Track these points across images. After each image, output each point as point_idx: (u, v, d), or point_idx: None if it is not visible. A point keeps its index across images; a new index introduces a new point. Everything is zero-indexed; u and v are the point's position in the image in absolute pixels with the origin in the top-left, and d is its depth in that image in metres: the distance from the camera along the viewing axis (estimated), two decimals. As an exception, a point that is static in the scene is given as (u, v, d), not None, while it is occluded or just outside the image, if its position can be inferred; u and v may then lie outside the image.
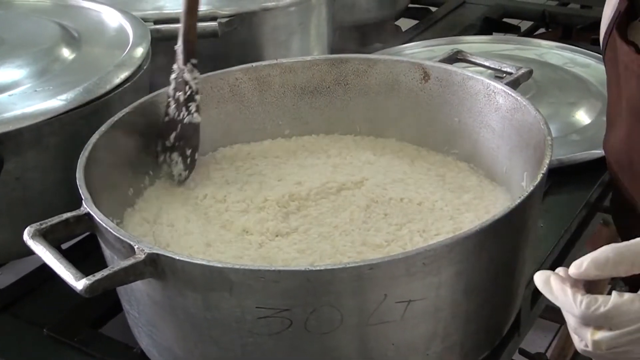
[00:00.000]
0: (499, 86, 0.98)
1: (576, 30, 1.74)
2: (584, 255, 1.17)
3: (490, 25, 1.79)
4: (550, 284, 0.66)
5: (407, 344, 0.75)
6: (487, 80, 0.99)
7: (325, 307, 0.70)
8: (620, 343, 0.61)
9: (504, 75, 1.04)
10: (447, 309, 0.75)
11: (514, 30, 1.79)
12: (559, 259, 1.17)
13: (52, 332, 0.94)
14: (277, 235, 0.91)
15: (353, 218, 0.94)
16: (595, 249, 0.69)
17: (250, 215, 0.95)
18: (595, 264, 0.63)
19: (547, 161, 0.81)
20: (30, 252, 1.01)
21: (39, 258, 1.05)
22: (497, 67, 1.06)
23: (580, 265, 0.64)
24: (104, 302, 0.98)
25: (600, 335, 0.62)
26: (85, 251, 1.03)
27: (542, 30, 1.85)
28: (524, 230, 0.80)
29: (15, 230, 0.86)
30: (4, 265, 1.11)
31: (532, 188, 0.77)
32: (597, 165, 1.20)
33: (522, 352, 0.96)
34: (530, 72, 1.03)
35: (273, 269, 0.69)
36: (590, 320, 0.62)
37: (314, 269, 0.69)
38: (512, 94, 0.95)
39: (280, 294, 0.70)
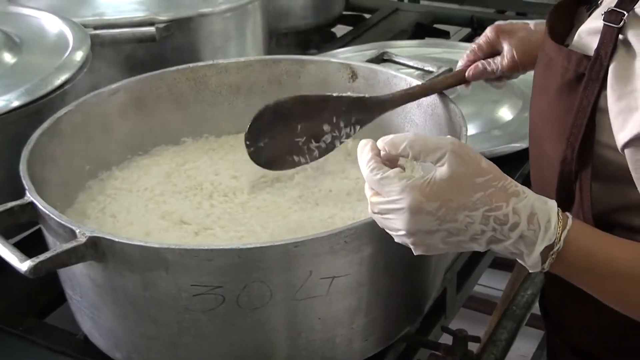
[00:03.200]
0: (419, 84, 1.04)
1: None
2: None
3: (422, 30, 1.86)
4: (363, 147, 0.73)
5: (333, 318, 0.81)
6: (409, 79, 1.06)
7: (255, 283, 0.76)
8: (386, 209, 0.70)
9: (427, 74, 1.10)
10: (368, 285, 0.81)
11: (444, 35, 1.87)
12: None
13: (-3, 322, 0.98)
14: (212, 225, 0.97)
15: (286, 208, 0.99)
16: None
17: (188, 207, 1.00)
18: (392, 144, 0.71)
19: (460, 149, 0.87)
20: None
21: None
22: (419, 66, 1.13)
23: (383, 140, 0.72)
24: (48, 293, 1.02)
25: (375, 198, 0.71)
26: (33, 244, 1.07)
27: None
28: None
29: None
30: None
31: (445, 172, 0.83)
32: (517, 158, 1.27)
33: (445, 330, 1.03)
34: (449, 70, 1.10)
35: (206, 247, 0.75)
36: (371, 184, 0.71)
37: (243, 247, 0.75)
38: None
39: (214, 272, 0.75)
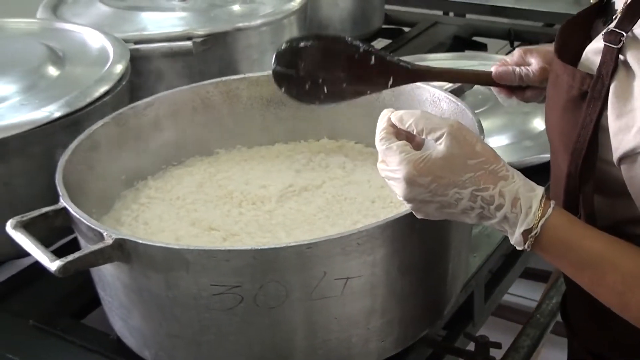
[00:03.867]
0: (442, 94, 1.07)
1: (540, 47, 1.83)
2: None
3: (460, 43, 1.88)
4: (382, 117, 0.81)
5: (348, 318, 0.84)
6: (432, 89, 1.08)
7: (271, 283, 0.79)
8: (388, 176, 0.78)
9: (451, 84, 1.13)
10: (382, 286, 0.84)
11: (482, 48, 1.89)
12: (514, 254, 1.26)
13: (36, 323, 1.03)
14: (240, 232, 1.00)
15: (312, 215, 1.03)
16: None
17: (217, 214, 1.04)
18: (399, 119, 0.79)
19: (476, 156, 0.90)
20: (18, 254, 1.12)
21: (26, 261, 1.16)
22: (445, 77, 1.15)
23: (395, 115, 0.80)
24: (84, 296, 1.07)
25: (380, 165, 0.79)
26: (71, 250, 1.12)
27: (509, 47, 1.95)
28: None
29: (3, 233, 0.96)
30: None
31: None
32: (547, 169, 1.28)
33: (467, 335, 1.05)
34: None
35: (223, 248, 0.79)
36: (380, 152, 0.79)
37: (259, 248, 0.78)
38: (454, 100, 1.05)
39: (232, 272, 0.79)
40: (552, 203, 0.76)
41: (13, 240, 0.88)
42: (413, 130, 0.78)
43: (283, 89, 0.98)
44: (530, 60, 1.03)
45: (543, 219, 0.74)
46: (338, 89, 0.98)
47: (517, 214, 0.74)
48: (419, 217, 0.78)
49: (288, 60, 0.96)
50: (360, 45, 0.97)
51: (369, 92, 0.98)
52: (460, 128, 0.76)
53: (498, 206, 0.74)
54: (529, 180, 0.77)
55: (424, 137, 0.78)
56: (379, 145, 0.79)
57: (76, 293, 1.08)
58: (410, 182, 0.75)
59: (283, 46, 0.96)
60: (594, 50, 0.81)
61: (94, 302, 1.04)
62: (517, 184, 0.75)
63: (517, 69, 1.02)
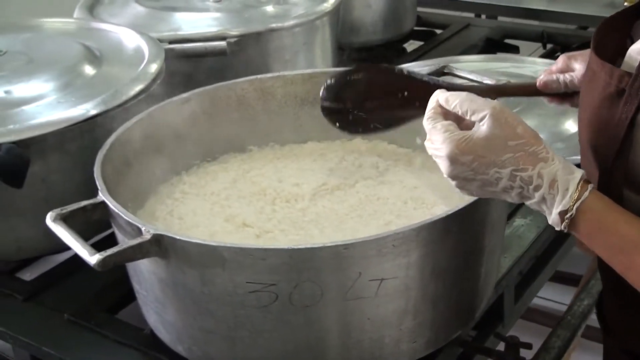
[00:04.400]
0: (476, 95, 1.07)
1: (573, 49, 1.82)
2: (572, 252, 1.28)
3: (492, 46, 1.88)
4: (433, 97, 0.84)
5: (382, 319, 0.85)
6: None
7: (306, 282, 0.80)
8: (433, 154, 0.81)
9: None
10: (416, 288, 0.85)
11: (514, 50, 1.88)
12: (544, 256, 1.26)
13: (72, 317, 1.05)
14: (273, 228, 1.01)
15: (345, 215, 1.03)
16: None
17: (251, 211, 1.05)
18: (445, 100, 0.82)
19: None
20: (53, 249, 1.14)
21: (62, 257, 1.18)
22: (478, 79, 1.15)
23: (441, 96, 0.83)
24: (119, 292, 1.09)
25: (427, 143, 0.82)
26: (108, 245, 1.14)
27: (541, 49, 1.94)
28: (487, 219, 0.89)
29: (39, 228, 0.97)
30: (33, 263, 1.22)
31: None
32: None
33: (497, 336, 1.05)
34: (508, 82, 1.12)
35: (260, 247, 0.80)
36: (427, 131, 0.82)
37: (295, 247, 0.79)
38: (488, 101, 1.04)
39: (267, 270, 0.80)
40: (590, 186, 0.77)
41: (49, 236, 0.90)
42: (458, 111, 0.81)
43: (337, 124, 1.03)
44: (575, 66, 1.04)
45: (579, 202, 0.76)
46: (387, 117, 1.02)
47: (554, 195, 0.76)
48: (464, 194, 0.81)
49: (335, 95, 1.02)
50: (404, 71, 1.01)
51: (416, 116, 0.98)
52: (502, 110, 0.78)
53: (536, 187, 0.76)
54: (570, 164, 0.78)
55: (467, 118, 0.80)
56: (426, 124, 0.82)
57: (110, 288, 1.09)
58: (453, 160, 0.78)
59: (329, 81, 1.02)
60: (638, 50, 0.81)
61: (128, 297, 1.06)
62: (557, 166, 0.77)
63: (562, 76, 1.04)
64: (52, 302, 1.09)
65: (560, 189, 0.76)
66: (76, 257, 1.08)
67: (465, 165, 0.78)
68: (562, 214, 0.76)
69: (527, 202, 0.79)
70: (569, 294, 2.09)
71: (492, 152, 0.77)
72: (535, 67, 1.64)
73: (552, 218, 0.77)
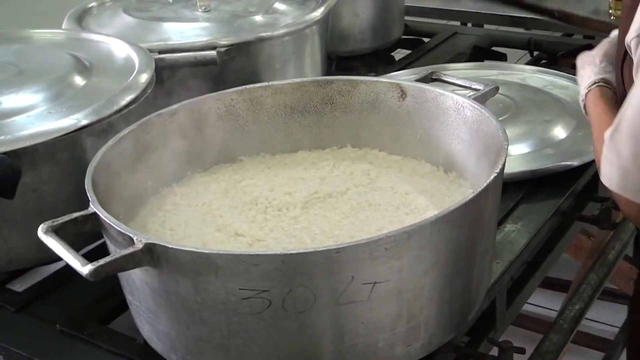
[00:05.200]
0: (466, 101, 1.08)
1: (560, 57, 1.84)
2: (560, 259, 1.31)
3: (480, 53, 1.89)
4: None
5: (375, 323, 0.85)
6: (456, 96, 1.09)
7: (299, 287, 0.80)
8: None
9: (474, 92, 1.14)
10: (409, 291, 0.85)
11: (501, 58, 1.89)
12: (535, 262, 1.26)
13: (64, 328, 1.05)
14: (265, 237, 1.01)
15: (337, 222, 1.04)
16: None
17: (243, 220, 1.05)
18: None
19: (501, 162, 0.91)
20: (44, 260, 1.14)
21: (53, 267, 1.18)
22: (467, 84, 1.16)
23: None
24: (111, 302, 1.08)
25: None
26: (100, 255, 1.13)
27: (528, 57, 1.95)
28: (479, 222, 0.90)
29: (30, 239, 0.97)
30: (25, 274, 1.22)
31: (484, 185, 0.87)
32: (569, 176, 1.29)
33: (490, 341, 1.05)
34: (496, 89, 1.13)
35: (252, 253, 0.79)
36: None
37: (287, 252, 0.79)
38: (477, 107, 1.05)
39: (260, 276, 0.80)
40: (601, 84, 1.15)
41: (40, 246, 0.90)
42: None
43: None
44: None
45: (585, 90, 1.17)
46: None
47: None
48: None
49: None
50: None
51: None
52: None
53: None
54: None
55: None
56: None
57: (102, 299, 1.09)
58: None
59: None
60: None
61: (120, 307, 1.06)
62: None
63: None
64: (44, 313, 1.09)
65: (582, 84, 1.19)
66: (67, 268, 1.08)
67: None
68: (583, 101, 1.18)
69: None
70: (557, 300, 2.11)
71: None
72: (523, 74, 1.66)
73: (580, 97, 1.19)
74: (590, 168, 1.33)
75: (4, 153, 1.01)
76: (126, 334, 1.03)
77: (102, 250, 1.03)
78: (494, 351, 1.08)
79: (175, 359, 0.92)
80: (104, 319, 1.08)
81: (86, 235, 0.98)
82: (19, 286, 1.21)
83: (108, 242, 0.92)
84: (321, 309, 0.82)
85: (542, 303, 2.22)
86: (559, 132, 1.41)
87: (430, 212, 1.01)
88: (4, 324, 1.07)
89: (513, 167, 1.25)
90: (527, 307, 2.07)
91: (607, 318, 2.28)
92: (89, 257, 0.84)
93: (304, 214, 1.06)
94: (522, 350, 1.02)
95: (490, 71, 1.67)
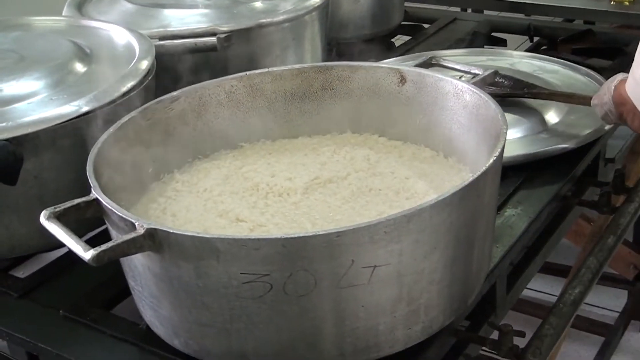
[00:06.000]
0: (465, 85, 1.08)
1: (560, 42, 1.84)
2: (560, 244, 1.33)
3: (479, 39, 1.89)
4: None
5: (375, 306, 0.85)
6: (456, 81, 1.10)
7: (300, 271, 0.81)
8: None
9: (473, 76, 1.14)
10: (409, 274, 0.85)
11: (501, 43, 1.89)
12: (535, 247, 1.27)
13: (67, 313, 1.06)
14: (267, 222, 1.02)
15: (338, 206, 1.04)
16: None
17: (244, 206, 1.05)
18: None
19: (500, 145, 0.92)
20: (47, 247, 1.14)
21: (54, 254, 1.19)
22: (466, 69, 1.17)
23: None
24: (114, 287, 1.09)
25: None
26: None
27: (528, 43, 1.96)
28: (478, 205, 0.90)
29: (33, 226, 0.98)
30: (26, 261, 1.23)
31: (484, 168, 0.88)
32: (566, 160, 1.30)
33: (491, 325, 1.06)
34: (495, 73, 1.14)
35: (254, 237, 0.80)
36: None
37: (288, 236, 0.79)
38: (477, 91, 1.06)
39: (261, 260, 0.80)
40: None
41: (42, 233, 0.90)
42: None
43: None
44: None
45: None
46: None
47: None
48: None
49: None
50: None
51: None
52: None
53: None
54: None
55: None
56: None
57: (105, 284, 1.10)
58: None
59: None
60: None
61: (123, 293, 1.07)
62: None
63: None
64: (47, 299, 1.10)
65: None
66: (69, 254, 1.10)
67: None
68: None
69: None
70: (556, 285, 2.11)
71: None
72: (512, 59, 1.65)
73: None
74: (589, 152, 1.34)
75: (6, 140, 1.02)
76: (129, 319, 1.04)
77: (104, 237, 1.04)
78: (494, 335, 1.09)
79: (177, 343, 0.93)
80: (107, 304, 1.09)
81: (88, 222, 0.98)
82: (21, 273, 1.22)
83: (110, 228, 0.92)
84: (322, 293, 0.83)
85: (541, 288, 2.23)
86: (552, 116, 1.41)
87: (430, 196, 1.01)
88: (8, 310, 1.08)
89: (510, 151, 1.26)
90: (525, 292, 2.08)
91: (607, 303, 2.29)
92: (91, 244, 0.85)
93: (304, 199, 1.07)
94: (522, 334, 1.03)
95: (489, 57, 1.67)
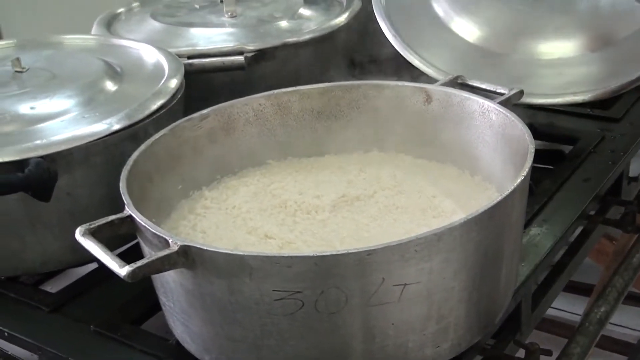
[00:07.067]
0: (492, 105, 1.09)
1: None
2: (584, 263, 1.33)
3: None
4: None
5: (405, 324, 0.86)
6: (482, 100, 1.11)
7: (331, 289, 0.82)
8: None
9: (498, 96, 1.15)
10: (439, 292, 0.86)
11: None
12: (560, 266, 1.28)
13: (97, 328, 1.07)
14: (295, 239, 1.03)
15: (366, 224, 1.05)
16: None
17: (273, 223, 1.06)
18: None
19: (528, 164, 0.92)
20: (78, 262, 1.16)
21: (83, 270, 1.20)
22: (492, 89, 1.17)
23: None
24: (144, 304, 1.11)
25: None
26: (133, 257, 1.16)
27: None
28: (506, 224, 0.91)
29: (65, 241, 1.00)
30: (58, 275, 1.24)
31: (513, 187, 0.88)
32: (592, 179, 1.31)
33: (517, 343, 1.06)
34: (521, 92, 1.14)
35: (286, 255, 0.81)
36: None
37: (320, 254, 0.81)
38: (503, 111, 1.07)
39: (293, 278, 0.81)
40: None
41: (73, 248, 0.92)
42: None
43: None
44: None
45: None
46: None
47: None
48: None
49: None
50: None
51: None
52: None
53: None
54: None
55: None
56: None
57: (135, 300, 1.11)
58: None
59: None
60: None
61: (153, 309, 1.08)
62: None
63: None
64: (78, 313, 1.11)
65: None
66: (99, 270, 1.11)
67: None
68: None
69: None
70: (578, 304, 2.11)
71: None
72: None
73: None
74: (613, 171, 1.35)
75: (41, 157, 1.04)
76: (158, 335, 1.05)
77: (131, 253, 1.06)
78: (520, 353, 1.10)
79: (208, 359, 0.94)
80: (137, 320, 1.10)
81: (118, 238, 1.00)
82: (50, 287, 1.23)
83: (142, 244, 0.94)
84: (353, 310, 0.84)
85: (562, 306, 2.22)
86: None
87: (458, 215, 1.03)
88: (40, 324, 1.10)
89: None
90: (548, 311, 2.08)
91: (630, 322, 2.28)
92: (121, 259, 0.86)
93: (332, 217, 1.08)
94: (548, 352, 1.03)
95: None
